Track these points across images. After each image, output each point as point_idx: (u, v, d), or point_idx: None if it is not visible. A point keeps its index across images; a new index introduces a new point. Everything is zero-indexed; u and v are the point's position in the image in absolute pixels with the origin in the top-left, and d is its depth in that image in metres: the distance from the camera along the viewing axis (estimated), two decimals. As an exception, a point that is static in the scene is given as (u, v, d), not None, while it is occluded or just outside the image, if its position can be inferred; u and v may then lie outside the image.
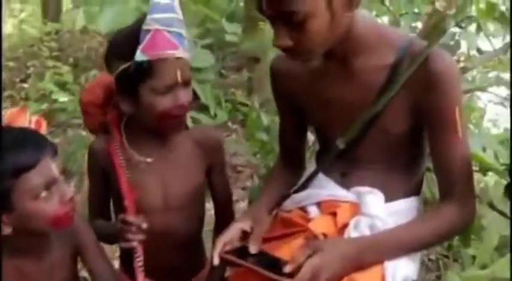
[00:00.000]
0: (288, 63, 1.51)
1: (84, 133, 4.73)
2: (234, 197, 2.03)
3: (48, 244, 1.46)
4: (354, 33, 1.33)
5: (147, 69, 1.44)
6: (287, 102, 1.61)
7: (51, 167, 1.33)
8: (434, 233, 1.35)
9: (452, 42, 1.99)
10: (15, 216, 1.30)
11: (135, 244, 1.50)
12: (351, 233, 1.35)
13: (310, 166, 1.64)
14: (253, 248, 1.35)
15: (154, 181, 1.62)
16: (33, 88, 5.79)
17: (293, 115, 1.63)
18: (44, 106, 4.98)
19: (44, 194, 1.31)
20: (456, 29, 2.12)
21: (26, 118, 1.46)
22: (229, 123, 5.74)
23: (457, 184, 1.36)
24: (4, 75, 7.28)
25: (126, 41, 1.48)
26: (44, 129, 1.47)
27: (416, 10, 2.14)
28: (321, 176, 1.53)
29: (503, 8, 2.11)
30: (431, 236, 1.35)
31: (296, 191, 1.56)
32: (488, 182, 1.65)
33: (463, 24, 2.10)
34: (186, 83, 1.50)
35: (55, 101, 5.13)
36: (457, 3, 1.60)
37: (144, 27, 1.44)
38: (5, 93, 6.04)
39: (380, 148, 1.43)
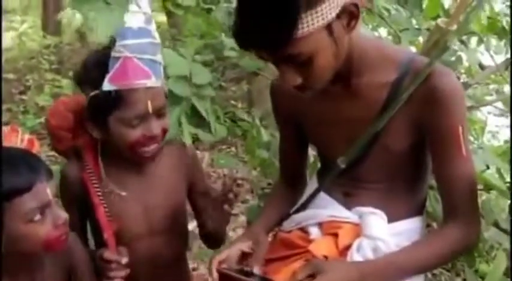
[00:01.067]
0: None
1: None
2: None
3: (40, 263, 1.43)
4: (354, 52, 1.31)
5: (115, 99, 1.38)
6: (288, 120, 1.59)
7: (46, 190, 1.29)
8: (437, 256, 1.32)
9: (453, 58, 1.99)
10: (7, 238, 1.27)
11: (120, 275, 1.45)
12: (354, 255, 1.33)
13: (311, 184, 1.61)
14: (256, 269, 1.34)
15: (135, 208, 1.56)
16: (31, 101, 5.80)
17: (293, 133, 1.61)
18: (43, 119, 4.99)
19: (37, 217, 1.28)
20: (457, 45, 2.12)
21: (18, 137, 1.41)
22: (229, 138, 5.75)
23: (461, 204, 1.33)
24: (3, 87, 7.29)
25: (95, 67, 1.41)
26: (36, 149, 1.42)
27: (416, 26, 2.13)
28: (322, 196, 1.50)
29: (504, 22, 2.11)
30: (435, 259, 1.33)
31: (297, 210, 1.54)
32: (492, 200, 1.62)
33: (464, 40, 2.10)
34: (159, 113, 1.44)
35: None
36: (459, 19, 1.59)
37: (113, 54, 1.37)
38: (4, 107, 6.04)
39: (382, 166, 1.41)
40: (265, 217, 1.60)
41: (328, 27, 1.19)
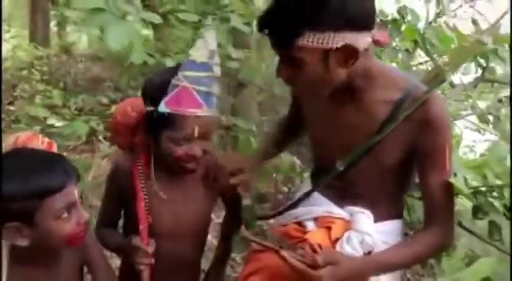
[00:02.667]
0: None
1: (78, 156, 4.87)
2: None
3: (57, 255, 1.56)
4: (365, 72, 1.50)
5: (167, 120, 1.55)
6: (298, 107, 1.81)
7: (74, 192, 1.44)
8: (418, 256, 1.54)
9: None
10: (36, 231, 1.40)
11: (142, 267, 1.65)
12: (344, 245, 1.54)
13: (305, 185, 1.82)
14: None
15: (168, 211, 1.73)
16: (22, 111, 5.88)
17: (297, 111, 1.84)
18: (35, 129, 5.09)
19: (64, 215, 1.42)
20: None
21: (39, 141, 1.58)
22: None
23: (441, 213, 1.54)
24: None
25: (156, 88, 1.57)
26: (55, 151, 1.58)
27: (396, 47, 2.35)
28: (317, 195, 1.71)
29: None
30: (416, 258, 1.55)
31: (292, 205, 1.75)
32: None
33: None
34: (203, 137, 1.59)
35: (51, 126, 5.23)
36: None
37: (173, 81, 1.53)
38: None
39: (372, 175, 1.60)
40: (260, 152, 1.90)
41: (325, 53, 1.38)
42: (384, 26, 2.45)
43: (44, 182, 1.38)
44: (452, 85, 2.39)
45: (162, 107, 1.53)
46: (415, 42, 2.30)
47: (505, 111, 2.50)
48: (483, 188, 1.82)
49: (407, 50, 2.28)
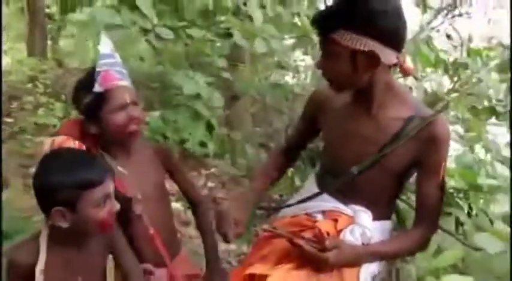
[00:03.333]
0: (329, 93, 1.90)
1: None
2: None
3: (89, 239, 1.79)
4: (382, 87, 1.76)
5: (103, 97, 1.93)
6: (310, 119, 2.07)
7: (110, 185, 1.71)
8: (408, 249, 1.85)
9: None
10: (77, 216, 1.66)
11: (139, 211, 2.00)
12: (347, 235, 1.83)
13: (309, 184, 2.09)
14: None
15: (130, 181, 2.03)
16: (25, 122, 6.07)
17: (313, 129, 2.10)
18: (43, 138, 5.29)
19: (101, 204, 1.69)
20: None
21: (71, 143, 1.91)
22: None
23: (430, 215, 1.84)
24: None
25: (86, 81, 1.95)
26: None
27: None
28: (325, 195, 1.97)
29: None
30: (406, 251, 1.86)
31: (301, 201, 2.02)
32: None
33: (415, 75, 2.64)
34: (134, 103, 1.98)
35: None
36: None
37: (97, 69, 1.94)
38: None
39: (377, 181, 1.86)
40: (257, 183, 2.11)
41: (353, 52, 1.65)
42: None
43: (87, 176, 1.65)
44: (426, 93, 2.69)
45: (97, 88, 1.92)
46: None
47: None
48: (450, 190, 2.12)
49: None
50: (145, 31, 2.38)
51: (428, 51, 2.53)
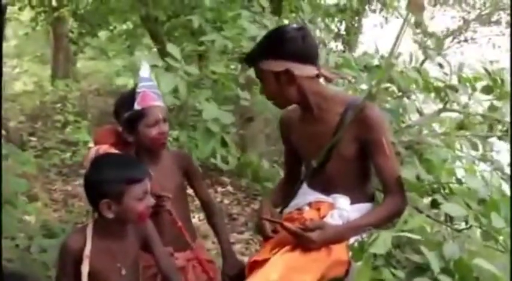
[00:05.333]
0: (290, 114, 2.33)
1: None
2: (232, 240, 2.81)
3: (126, 232, 2.10)
4: (313, 94, 2.15)
5: (141, 114, 2.31)
6: (287, 140, 2.43)
7: (148, 182, 2.04)
8: (382, 218, 2.10)
9: (400, 109, 2.88)
10: (121, 208, 1.98)
11: (169, 206, 2.38)
12: (328, 219, 2.14)
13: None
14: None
15: (158, 182, 2.32)
16: (56, 139, 6.39)
17: (290, 148, 2.44)
18: (67, 155, 5.62)
19: (142, 199, 2.01)
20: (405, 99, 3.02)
21: (114, 150, 2.28)
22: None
23: (391, 185, 2.13)
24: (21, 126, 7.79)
25: (128, 99, 2.35)
26: None
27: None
28: (309, 190, 2.32)
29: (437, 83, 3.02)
30: (381, 220, 2.09)
31: (292, 197, 2.37)
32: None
33: (409, 95, 2.99)
34: (164, 120, 2.36)
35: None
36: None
37: (137, 90, 2.32)
38: (30, 144, 6.63)
39: (342, 168, 2.21)
40: (272, 198, 2.44)
41: (275, 74, 2.10)
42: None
43: (132, 174, 2.00)
44: (420, 113, 3.04)
45: (136, 106, 2.32)
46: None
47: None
48: (436, 185, 2.40)
49: (385, 88, 2.98)
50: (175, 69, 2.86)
51: (416, 75, 2.91)
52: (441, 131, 2.95)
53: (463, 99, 3.12)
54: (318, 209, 2.22)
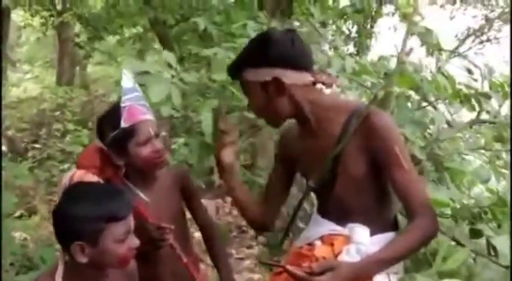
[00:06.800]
0: (289, 131, 2.07)
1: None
2: (239, 255, 2.49)
3: (103, 276, 1.76)
4: (309, 105, 1.87)
5: (130, 131, 2.02)
6: (283, 159, 2.11)
7: (132, 222, 1.71)
8: (409, 248, 1.74)
9: (427, 120, 2.52)
10: (97, 251, 1.64)
11: (171, 240, 2.07)
12: (344, 257, 1.80)
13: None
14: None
15: (152, 208, 2.11)
16: (54, 149, 6.22)
17: (281, 168, 2.13)
18: (66, 166, 5.39)
19: (123, 240, 1.67)
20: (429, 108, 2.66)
21: (91, 178, 1.93)
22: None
23: (415, 204, 1.77)
24: (20, 135, 7.70)
25: (112, 116, 2.05)
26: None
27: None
28: (322, 220, 1.99)
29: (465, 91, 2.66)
30: (408, 249, 1.74)
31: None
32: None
33: (434, 104, 2.63)
34: (157, 135, 2.08)
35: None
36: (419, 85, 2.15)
37: (122, 105, 2.02)
38: (29, 154, 6.46)
39: (354, 190, 1.88)
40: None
41: (263, 85, 1.83)
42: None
43: (112, 210, 1.65)
44: (449, 124, 2.68)
45: (123, 124, 2.02)
46: (413, 89, 2.62)
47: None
48: (477, 210, 2.06)
49: (407, 97, 2.62)
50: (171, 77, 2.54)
51: (445, 81, 2.55)
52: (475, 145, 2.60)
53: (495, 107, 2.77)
54: (332, 244, 1.89)
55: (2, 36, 6.98)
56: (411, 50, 2.76)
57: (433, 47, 2.96)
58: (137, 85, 2.13)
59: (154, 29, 7.92)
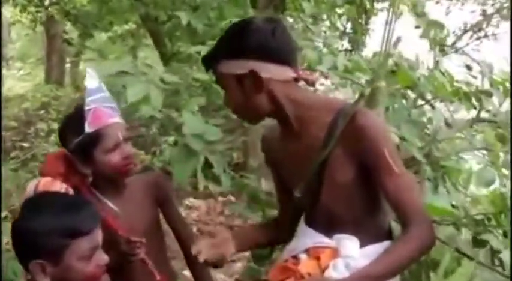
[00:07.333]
0: (270, 132, 1.88)
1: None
2: (232, 257, 2.33)
3: None
4: (290, 103, 1.69)
5: (96, 137, 1.84)
6: (269, 163, 1.95)
7: (99, 235, 1.55)
8: (403, 258, 1.56)
9: (425, 119, 2.36)
10: (58, 270, 1.48)
11: (143, 254, 1.90)
12: (331, 273, 1.64)
13: (301, 223, 1.91)
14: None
15: (124, 218, 1.95)
16: (39, 149, 6.07)
17: (275, 175, 1.95)
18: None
19: (89, 257, 1.51)
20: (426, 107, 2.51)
21: (58, 186, 1.75)
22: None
23: (409, 213, 1.59)
24: (6, 135, 7.56)
25: (75, 121, 1.86)
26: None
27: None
28: (307, 229, 1.82)
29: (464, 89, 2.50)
30: (401, 261, 1.56)
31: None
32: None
33: (432, 103, 2.48)
34: (126, 139, 1.91)
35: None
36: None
37: (86, 108, 1.84)
38: (12, 154, 6.30)
39: (341, 197, 1.71)
40: (243, 235, 1.97)
41: (239, 78, 1.66)
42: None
43: (76, 224, 1.48)
44: (448, 125, 2.53)
45: (87, 128, 1.83)
46: (410, 87, 2.46)
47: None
48: (480, 216, 1.91)
49: (403, 95, 2.46)
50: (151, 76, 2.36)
51: (443, 79, 2.40)
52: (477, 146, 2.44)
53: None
54: (318, 258, 1.72)
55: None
56: (399, 39, 2.60)
57: (436, 43, 2.79)
58: (103, 85, 1.95)
59: (146, 26, 7.76)
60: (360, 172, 1.67)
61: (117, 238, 1.88)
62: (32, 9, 9.34)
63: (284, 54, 1.67)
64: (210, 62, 1.73)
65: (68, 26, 10.47)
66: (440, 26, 2.92)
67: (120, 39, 9.09)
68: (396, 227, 1.79)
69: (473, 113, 2.66)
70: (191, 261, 2.12)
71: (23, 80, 12.37)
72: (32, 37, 12.75)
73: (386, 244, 1.71)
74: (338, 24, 9.59)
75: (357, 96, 1.97)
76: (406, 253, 1.56)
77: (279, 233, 1.98)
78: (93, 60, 12.71)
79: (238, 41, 1.66)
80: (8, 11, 11.35)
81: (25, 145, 7.12)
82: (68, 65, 11.98)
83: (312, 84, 1.76)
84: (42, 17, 9.67)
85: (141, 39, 8.73)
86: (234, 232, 1.93)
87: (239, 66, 1.65)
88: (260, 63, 1.64)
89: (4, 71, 13.42)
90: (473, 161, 2.80)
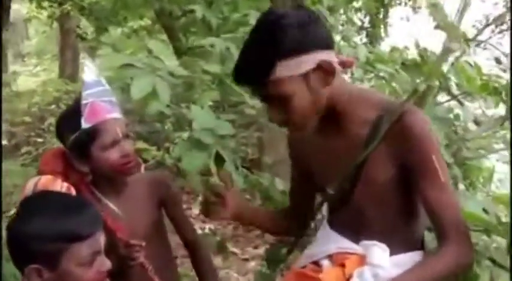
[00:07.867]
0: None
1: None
2: (246, 256, 2.21)
3: None
4: (338, 97, 1.53)
5: (93, 133, 1.74)
6: (297, 163, 1.82)
7: (101, 239, 1.45)
8: (433, 277, 1.46)
9: (451, 115, 2.21)
10: (56, 275, 1.40)
11: (142, 259, 1.80)
12: None
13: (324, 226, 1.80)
14: None
15: (125, 219, 1.85)
16: (50, 144, 6.03)
17: (299, 175, 1.83)
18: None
19: (89, 263, 1.42)
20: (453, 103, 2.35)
21: (59, 185, 1.63)
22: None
23: (449, 227, 1.49)
24: (19, 130, 7.55)
25: (71, 116, 1.77)
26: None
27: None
28: (331, 232, 1.70)
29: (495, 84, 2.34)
30: (433, 277, 1.45)
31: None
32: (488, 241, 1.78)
33: (460, 99, 2.33)
34: (126, 136, 1.80)
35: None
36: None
37: (83, 102, 1.75)
38: (23, 150, 6.26)
39: (375, 200, 1.58)
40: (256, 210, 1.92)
41: (305, 77, 1.45)
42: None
43: (74, 227, 1.39)
44: (476, 123, 2.38)
45: (84, 124, 1.73)
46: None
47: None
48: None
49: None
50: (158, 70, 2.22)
51: (474, 73, 2.24)
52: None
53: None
54: (342, 265, 1.59)
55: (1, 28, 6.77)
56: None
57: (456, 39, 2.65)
58: (102, 78, 1.84)
59: (161, 21, 7.70)
60: (400, 173, 1.54)
61: (116, 240, 1.78)
62: (46, 4, 9.34)
63: (332, 39, 1.53)
64: (261, 71, 1.45)
65: (83, 21, 10.48)
66: (454, 28, 2.77)
67: (135, 34, 9.04)
68: (427, 237, 1.67)
69: (500, 110, 2.52)
70: (196, 264, 2.07)
71: (36, 76, 12.38)
72: (48, 34, 12.78)
73: (419, 254, 1.60)
74: (355, 18, 9.47)
75: (383, 89, 1.83)
76: (442, 268, 1.46)
77: (286, 223, 1.90)
78: (107, 55, 12.76)
79: (297, 35, 1.43)
80: (24, 7, 11.38)
81: (38, 140, 7.10)
82: (82, 60, 12.04)
83: (350, 66, 1.63)
84: (56, 12, 9.65)
85: (155, 34, 8.67)
86: (244, 202, 1.88)
87: (304, 62, 1.44)
88: (324, 52, 1.47)
89: (18, 67, 13.54)
90: (493, 159, 2.74)
